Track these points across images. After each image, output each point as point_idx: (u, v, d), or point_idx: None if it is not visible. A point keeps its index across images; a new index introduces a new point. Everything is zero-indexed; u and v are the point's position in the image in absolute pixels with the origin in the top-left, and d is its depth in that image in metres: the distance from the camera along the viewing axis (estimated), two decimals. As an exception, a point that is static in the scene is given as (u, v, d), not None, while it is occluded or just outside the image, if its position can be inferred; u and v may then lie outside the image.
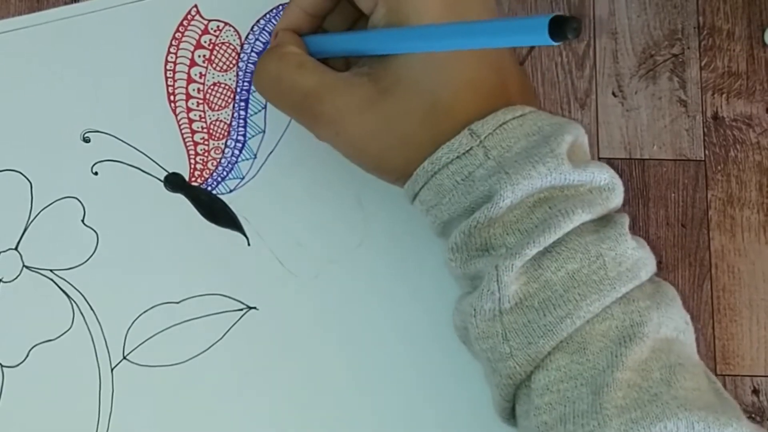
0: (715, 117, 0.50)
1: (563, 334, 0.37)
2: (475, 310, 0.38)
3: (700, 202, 0.49)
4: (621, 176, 0.48)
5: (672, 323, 0.39)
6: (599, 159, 0.50)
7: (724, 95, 0.51)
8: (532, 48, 0.51)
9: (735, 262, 0.48)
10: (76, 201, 0.49)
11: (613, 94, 0.51)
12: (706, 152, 0.50)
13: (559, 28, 0.30)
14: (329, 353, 0.48)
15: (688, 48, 0.51)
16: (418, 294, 0.48)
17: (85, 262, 0.49)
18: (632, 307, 0.38)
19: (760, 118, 0.51)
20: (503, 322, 0.38)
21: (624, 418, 0.35)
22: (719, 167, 0.49)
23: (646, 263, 0.39)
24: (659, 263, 0.41)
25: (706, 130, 0.50)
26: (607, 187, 0.39)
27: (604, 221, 0.40)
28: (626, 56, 0.51)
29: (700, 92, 0.51)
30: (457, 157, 0.39)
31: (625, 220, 0.40)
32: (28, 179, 0.49)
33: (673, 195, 0.49)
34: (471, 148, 0.39)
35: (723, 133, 0.50)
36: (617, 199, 0.40)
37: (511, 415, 0.41)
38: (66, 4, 0.52)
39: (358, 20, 0.46)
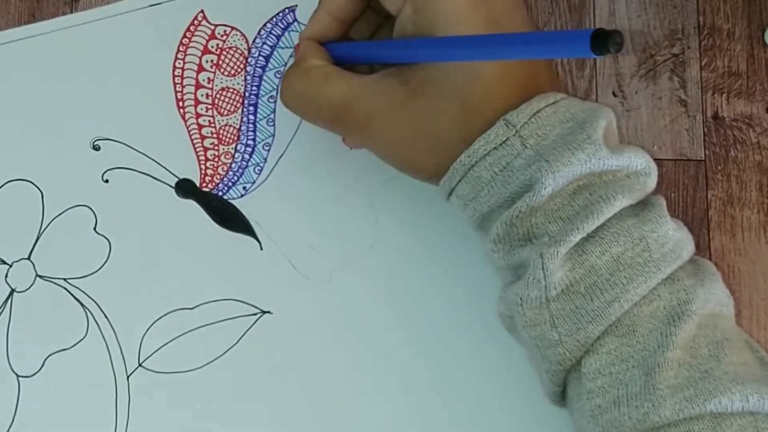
0: (716, 117, 0.51)
1: (612, 318, 0.38)
2: (521, 299, 0.39)
3: (700, 202, 0.50)
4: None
5: (716, 298, 0.40)
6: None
7: (724, 95, 0.51)
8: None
9: (735, 262, 0.49)
10: (88, 209, 0.49)
11: (614, 94, 0.52)
12: (706, 152, 0.51)
13: (600, 41, 0.31)
14: (344, 356, 0.49)
15: (688, 48, 0.52)
16: (432, 295, 0.49)
17: (98, 270, 0.49)
18: (677, 286, 0.39)
19: (760, 118, 0.51)
20: (550, 309, 0.38)
21: (678, 397, 0.36)
22: (719, 167, 0.50)
23: (687, 243, 0.41)
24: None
25: (706, 130, 0.51)
26: (644, 171, 0.40)
27: (642, 205, 0.41)
28: (626, 56, 0.52)
29: (700, 92, 0.51)
30: (494, 148, 0.39)
31: (663, 202, 0.41)
32: (39, 188, 0.50)
33: (673, 195, 0.50)
34: (507, 139, 0.39)
35: (723, 133, 0.51)
36: (653, 183, 0.41)
37: (561, 398, 0.42)
38: (66, 4, 0.52)
39: (382, 25, 0.47)
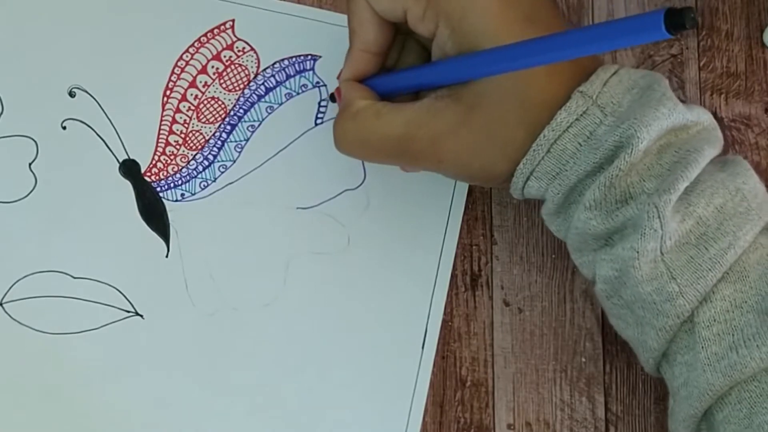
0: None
1: (727, 264, 0.40)
2: (638, 252, 0.39)
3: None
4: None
5: None
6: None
7: (722, 95, 0.52)
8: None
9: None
10: (33, 143, 0.50)
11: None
12: (705, 151, 0.51)
13: (674, 20, 0.32)
14: (198, 383, 0.49)
15: (687, 48, 0.53)
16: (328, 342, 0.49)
17: (15, 202, 0.50)
18: None
19: (758, 118, 0.52)
20: (665, 261, 0.40)
21: None
22: (717, 167, 0.50)
23: None
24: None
25: (704, 129, 0.51)
26: (712, 126, 0.42)
27: (723, 162, 0.42)
28: (625, 56, 0.53)
29: (698, 92, 0.52)
30: (576, 119, 0.41)
31: (742, 158, 0.43)
32: (1, 102, 0.51)
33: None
34: (587, 109, 0.41)
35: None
36: (722, 136, 0.43)
37: (660, 362, 0.43)
38: None
39: (406, 42, 0.47)
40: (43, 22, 0.52)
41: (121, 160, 0.51)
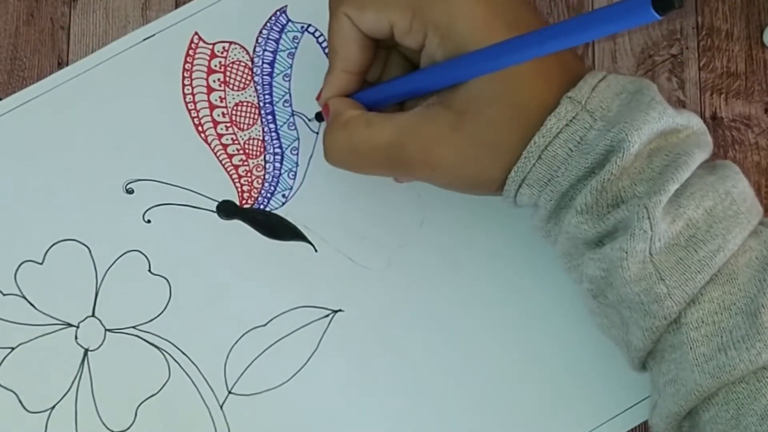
0: (714, 117, 0.52)
1: (716, 267, 0.40)
2: (627, 252, 0.39)
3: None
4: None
5: None
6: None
7: (722, 95, 0.53)
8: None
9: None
10: (138, 253, 0.50)
11: (613, 94, 0.53)
12: (705, 153, 0.52)
13: (660, 0, 0.32)
14: (424, 335, 0.50)
15: (687, 48, 0.53)
16: (490, 262, 0.50)
17: (164, 310, 0.50)
18: (763, 237, 0.41)
19: (758, 118, 0.52)
20: (654, 262, 0.40)
21: None
22: (718, 168, 0.52)
23: (756, 198, 0.43)
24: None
25: (704, 130, 0.52)
26: (702, 130, 0.42)
27: (712, 165, 0.43)
28: (625, 56, 0.53)
29: (698, 92, 0.52)
30: (566, 125, 0.41)
31: (731, 162, 0.43)
32: (84, 244, 0.50)
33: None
34: (577, 114, 0.41)
35: (722, 133, 0.52)
36: (712, 141, 0.43)
37: (644, 360, 0.43)
38: (64, 4, 0.53)
39: (390, 57, 0.47)
40: (61, 153, 0.51)
41: (215, 209, 0.50)
